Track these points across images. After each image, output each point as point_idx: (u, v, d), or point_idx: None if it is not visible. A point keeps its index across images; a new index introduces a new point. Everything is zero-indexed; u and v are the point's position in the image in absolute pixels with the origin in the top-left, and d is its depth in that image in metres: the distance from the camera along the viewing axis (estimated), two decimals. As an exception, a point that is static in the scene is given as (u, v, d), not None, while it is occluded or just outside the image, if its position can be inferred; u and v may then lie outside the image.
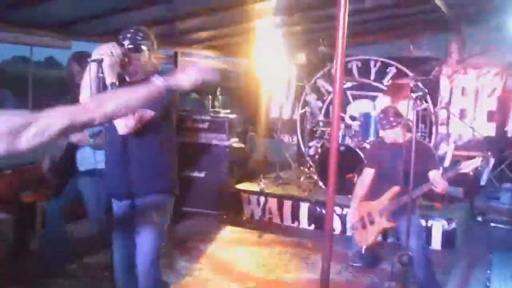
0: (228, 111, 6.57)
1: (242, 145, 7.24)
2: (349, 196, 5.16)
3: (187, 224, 5.86)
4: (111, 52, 2.61)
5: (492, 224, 5.99)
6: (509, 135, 6.97)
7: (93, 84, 2.69)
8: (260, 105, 8.56)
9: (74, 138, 3.67)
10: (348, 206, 5.50)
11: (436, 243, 5.35)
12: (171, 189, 3.03)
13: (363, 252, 4.49)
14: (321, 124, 6.99)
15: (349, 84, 7.29)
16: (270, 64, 7.76)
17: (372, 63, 7.58)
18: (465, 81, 7.07)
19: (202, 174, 6.22)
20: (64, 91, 4.16)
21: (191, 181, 6.15)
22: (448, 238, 5.34)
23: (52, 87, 11.92)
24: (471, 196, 6.24)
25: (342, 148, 5.93)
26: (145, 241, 2.92)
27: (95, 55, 2.61)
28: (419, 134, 5.98)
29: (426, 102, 6.71)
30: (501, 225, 5.98)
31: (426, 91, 6.09)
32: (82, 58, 3.90)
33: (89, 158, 3.86)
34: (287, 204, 6.16)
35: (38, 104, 4.69)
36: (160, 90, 2.00)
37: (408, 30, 7.19)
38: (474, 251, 5.18)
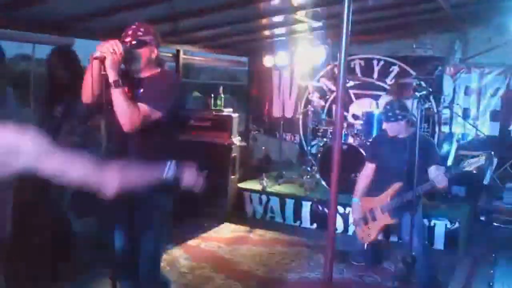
0: (231, 109, 6.56)
1: (245, 144, 7.24)
2: (351, 195, 5.15)
3: (189, 223, 5.85)
4: (113, 49, 2.60)
5: (495, 224, 5.97)
6: (512, 134, 6.94)
7: (96, 82, 2.68)
8: (262, 104, 8.56)
9: (62, 140, 3.60)
10: (349, 205, 5.50)
11: (439, 242, 5.33)
12: (172, 188, 3.01)
13: (365, 248, 4.49)
14: (323, 123, 6.98)
15: (352, 83, 7.27)
16: (273, 62, 7.75)
17: (375, 62, 7.57)
18: (468, 81, 7.04)
19: (204, 173, 6.19)
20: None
21: (193, 179, 6.12)
22: (451, 238, 5.33)
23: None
24: (474, 195, 6.21)
25: (344, 147, 5.92)
26: (146, 241, 2.91)
27: (97, 53, 2.60)
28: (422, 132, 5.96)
29: (429, 101, 6.69)
30: (504, 225, 5.95)
31: (430, 90, 6.06)
32: (62, 54, 3.88)
33: None
34: (290, 203, 6.15)
35: (40, 101, 4.69)
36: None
37: (412, 29, 7.16)
38: (477, 251, 5.16)
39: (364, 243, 4.45)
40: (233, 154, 6.21)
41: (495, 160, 6.35)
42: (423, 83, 6.72)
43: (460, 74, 7.06)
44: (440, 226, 5.36)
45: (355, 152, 5.91)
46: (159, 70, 2.95)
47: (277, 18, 5.92)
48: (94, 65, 2.63)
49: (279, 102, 8.56)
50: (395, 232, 5.36)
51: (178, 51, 6.68)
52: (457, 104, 6.98)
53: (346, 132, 6.40)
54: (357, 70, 7.64)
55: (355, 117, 7.28)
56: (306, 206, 6.05)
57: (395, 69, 7.39)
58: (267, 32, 6.87)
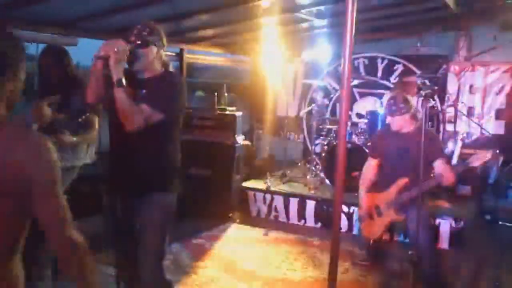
0: (235, 108, 6.55)
1: (249, 143, 7.24)
2: (356, 194, 5.14)
3: (193, 222, 5.85)
4: (117, 49, 2.59)
5: (501, 223, 5.95)
6: (517, 132, 6.91)
7: (99, 82, 2.68)
8: (266, 103, 8.54)
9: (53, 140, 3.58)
10: (354, 204, 5.49)
11: (444, 242, 5.31)
12: (175, 187, 3.01)
13: (370, 244, 4.47)
14: (327, 122, 6.97)
15: (356, 82, 7.26)
16: (276, 61, 7.75)
17: (379, 61, 7.55)
18: (473, 79, 7.01)
19: (208, 172, 6.21)
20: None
21: (197, 179, 6.14)
22: (456, 237, 5.31)
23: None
24: (479, 194, 6.19)
25: (348, 145, 5.91)
26: (148, 240, 2.90)
27: (100, 52, 2.59)
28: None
29: (434, 99, 6.67)
30: (509, 224, 5.93)
31: (435, 87, 6.04)
32: (54, 53, 3.87)
33: (68, 156, 3.78)
34: (294, 202, 6.14)
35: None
36: None
37: (416, 27, 7.14)
38: (483, 250, 5.13)
39: (369, 239, 4.44)
40: (237, 154, 6.20)
41: (501, 159, 6.32)
42: (427, 82, 6.71)
43: (465, 73, 7.02)
44: (445, 225, 5.34)
45: (359, 151, 5.89)
46: (162, 70, 2.94)
47: (281, 17, 5.91)
48: (98, 65, 2.63)
49: (283, 101, 8.55)
50: (400, 231, 5.36)
51: (181, 50, 6.68)
52: (462, 103, 6.95)
53: (350, 131, 6.38)
54: (361, 68, 7.62)
55: (359, 115, 7.26)
56: (311, 205, 6.04)
57: (399, 68, 7.37)
58: (271, 31, 6.85)
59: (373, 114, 6.22)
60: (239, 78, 9.96)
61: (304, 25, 6.50)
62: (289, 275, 4.54)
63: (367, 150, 5.79)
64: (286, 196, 6.21)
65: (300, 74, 8.31)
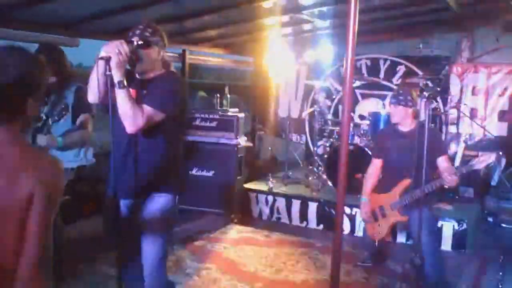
0: (237, 109, 6.54)
1: (251, 144, 7.23)
2: (358, 196, 5.13)
3: (195, 224, 5.84)
4: (119, 49, 2.59)
5: (503, 225, 5.93)
6: (521, 134, 6.88)
7: (101, 82, 2.67)
8: (268, 104, 8.54)
9: (42, 142, 3.57)
10: (357, 206, 5.48)
11: (447, 244, 5.29)
12: (177, 188, 3.00)
13: (376, 244, 4.46)
14: (330, 123, 6.96)
15: (358, 83, 7.25)
16: (279, 62, 7.73)
17: (381, 62, 7.54)
18: (475, 80, 6.98)
19: (210, 173, 6.20)
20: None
21: (199, 180, 6.13)
22: (459, 239, 5.29)
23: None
24: (482, 196, 6.17)
25: (351, 147, 5.89)
26: (151, 241, 2.90)
27: (102, 53, 2.59)
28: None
29: (436, 101, 6.65)
30: (512, 226, 5.92)
31: (438, 89, 6.03)
32: (49, 51, 3.84)
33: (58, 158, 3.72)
34: (296, 204, 6.13)
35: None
36: None
37: (418, 28, 7.12)
38: (485, 253, 5.12)
39: (374, 240, 4.44)
40: (239, 155, 6.19)
41: (503, 161, 6.30)
42: (430, 83, 6.71)
43: (468, 74, 7.01)
44: (448, 227, 5.32)
45: (361, 152, 5.88)
46: (164, 71, 2.94)
47: (283, 18, 5.90)
48: (99, 65, 2.62)
49: (285, 102, 8.54)
50: (402, 233, 5.35)
51: (184, 51, 6.68)
52: (465, 104, 6.93)
53: (352, 133, 6.37)
54: (364, 70, 7.61)
55: (361, 117, 7.25)
56: (313, 207, 6.02)
57: (401, 69, 7.36)
58: (273, 32, 6.85)
59: (375, 116, 6.20)
60: (241, 79, 9.98)
61: (307, 26, 6.49)
62: (291, 277, 4.52)
63: (369, 152, 5.78)
64: (288, 198, 6.19)
65: (303, 75, 8.30)
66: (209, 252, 5.05)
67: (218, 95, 6.54)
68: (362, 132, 6.39)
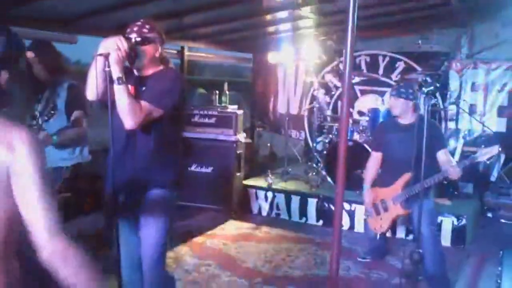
0: (236, 106, 6.54)
1: (250, 141, 7.23)
2: (357, 192, 5.13)
3: (194, 220, 5.85)
4: (117, 46, 2.58)
5: (502, 221, 5.94)
6: (520, 130, 6.88)
7: (99, 79, 2.67)
8: (267, 100, 8.54)
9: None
10: (356, 202, 5.49)
11: (446, 239, 5.30)
12: (175, 183, 3.01)
13: (378, 238, 4.47)
14: (329, 119, 6.97)
15: (357, 79, 7.25)
16: (278, 58, 7.72)
17: (380, 58, 7.53)
18: (475, 76, 6.98)
19: (209, 170, 6.20)
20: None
21: (198, 176, 6.13)
22: (458, 235, 5.30)
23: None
24: (481, 192, 6.18)
25: (350, 143, 5.89)
26: (150, 236, 2.90)
27: (101, 49, 2.58)
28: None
29: (435, 97, 6.65)
30: (511, 221, 5.92)
31: (437, 85, 6.02)
32: (41, 47, 3.82)
33: (53, 156, 3.70)
34: (295, 200, 6.14)
35: (18, 100, 4.64)
36: None
37: (417, 24, 7.11)
38: (484, 248, 5.12)
39: (376, 233, 4.45)
40: (238, 151, 6.19)
41: (503, 156, 6.31)
42: (429, 79, 6.68)
43: (467, 70, 7.00)
44: (447, 223, 5.33)
45: (360, 148, 5.88)
46: (163, 67, 2.94)
47: (282, 14, 5.89)
48: (98, 61, 2.62)
49: (284, 98, 8.53)
50: (402, 228, 5.35)
51: (182, 47, 6.67)
52: (464, 100, 6.92)
53: (351, 129, 6.37)
54: (363, 66, 7.61)
55: (360, 113, 7.24)
56: (312, 203, 6.03)
57: (400, 65, 7.35)
58: (272, 28, 6.84)
59: (374, 112, 6.19)
60: (240, 75, 9.97)
61: (305, 22, 6.48)
62: (290, 272, 4.53)
63: (368, 148, 5.78)
64: (288, 194, 6.20)
65: (301, 71, 8.29)
66: (208, 248, 5.06)
67: (217, 91, 6.54)
68: (361, 128, 6.39)
